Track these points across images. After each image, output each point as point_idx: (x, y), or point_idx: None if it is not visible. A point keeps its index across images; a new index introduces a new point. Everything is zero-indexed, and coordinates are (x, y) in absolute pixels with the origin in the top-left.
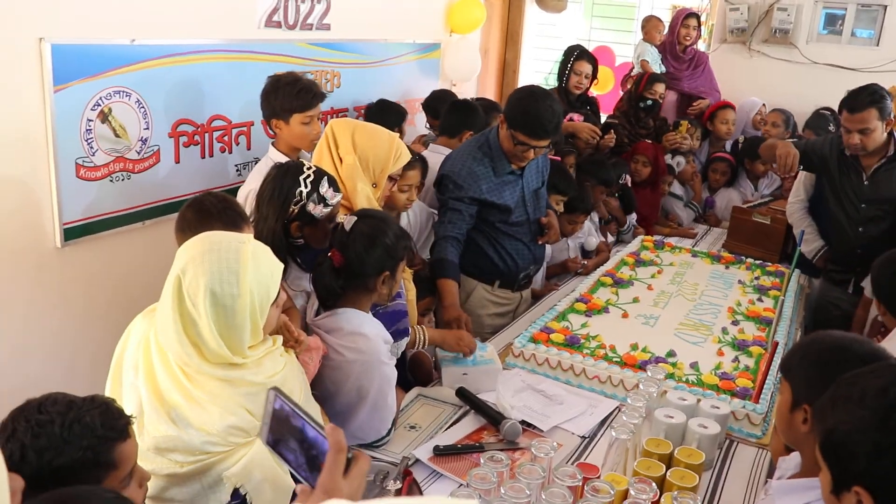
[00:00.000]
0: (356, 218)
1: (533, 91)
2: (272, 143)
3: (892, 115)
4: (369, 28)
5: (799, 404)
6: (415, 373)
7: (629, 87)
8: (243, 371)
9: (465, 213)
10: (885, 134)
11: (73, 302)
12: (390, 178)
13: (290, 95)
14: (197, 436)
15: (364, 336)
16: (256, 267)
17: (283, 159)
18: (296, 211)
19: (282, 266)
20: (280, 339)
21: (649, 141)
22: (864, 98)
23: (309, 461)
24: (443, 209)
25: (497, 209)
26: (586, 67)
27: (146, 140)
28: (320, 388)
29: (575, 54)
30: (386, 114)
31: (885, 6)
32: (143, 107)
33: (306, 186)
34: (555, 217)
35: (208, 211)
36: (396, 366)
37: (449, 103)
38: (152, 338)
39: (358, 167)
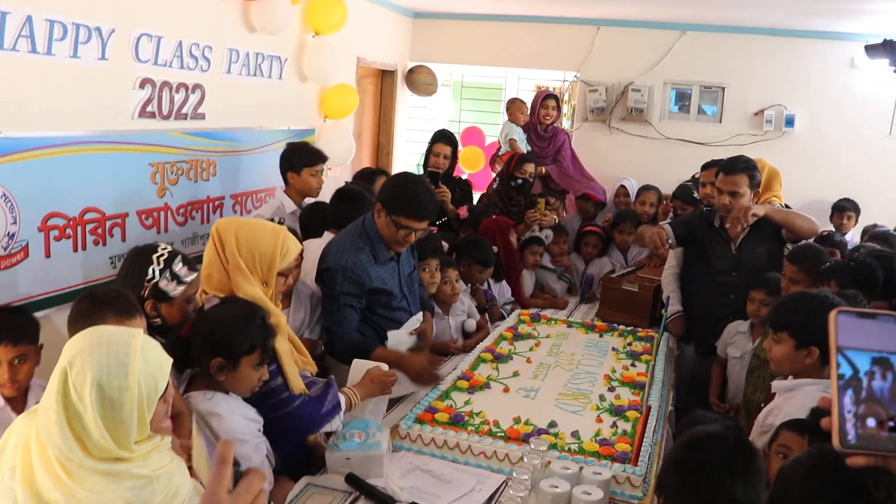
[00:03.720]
0: (218, 301)
1: (408, 176)
2: (283, 190)
3: (759, 188)
4: (244, 116)
5: (805, 345)
6: (308, 462)
7: (500, 167)
8: (129, 464)
9: (357, 309)
10: (751, 202)
11: None
12: (282, 274)
13: (303, 153)
14: None
15: (217, 415)
16: (145, 360)
17: (292, 204)
18: (148, 289)
19: (170, 360)
20: (168, 438)
21: (494, 217)
22: (739, 164)
23: None
24: (333, 304)
25: (384, 295)
26: (444, 149)
27: (13, 235)
28: None
29: (434, 137)
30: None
31: (724, 87)
32: (10, 201)
33: (159, 265)
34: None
35: (102, 300)
36: (298, 454)
37: (336, 192)
38: (33, 437)
39: (243, 268)
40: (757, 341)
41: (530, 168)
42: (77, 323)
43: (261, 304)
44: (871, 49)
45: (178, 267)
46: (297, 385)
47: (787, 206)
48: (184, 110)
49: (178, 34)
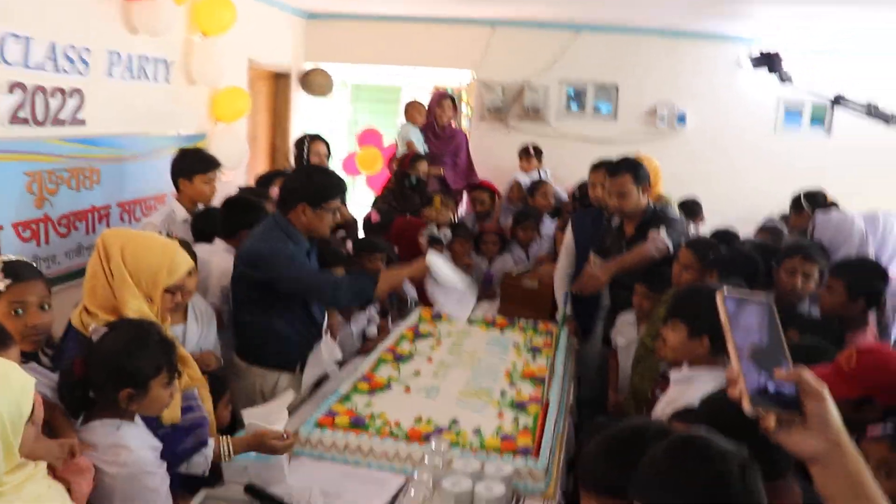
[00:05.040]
0: (105, 329)
1: (304, 169)
2: (175, 197)
3: (648, 182)
4: (129, 121)
5: (698, 333)
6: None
7: (395, 167)
8: (1, 500)
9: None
10: (643, 198)
11: None
12: (170, 291)
13: (195, 160)
14: None
15: (125, 447)
16: (7, 385)
17: (184, 212)
18: None
19: (33, 381)
20: (43, 463)
21: (406, 216)
22: (622, 165)
23: None
24: (296, 271)
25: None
26: (322, 147)
27: None
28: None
29: (308, 138)
30: (243, 211)
31: (618, 87)
32: None
33: None
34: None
35: None
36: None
37: (225, 202)
38: None
39: (129, 282)
40: (643, 331)
41: (423, 167)
42: None
43: (148, 318)
44: (754, 60)
45: None
46: (168, 414)
47: (670, 205)
48: (61, 116)
49: (50, 35)
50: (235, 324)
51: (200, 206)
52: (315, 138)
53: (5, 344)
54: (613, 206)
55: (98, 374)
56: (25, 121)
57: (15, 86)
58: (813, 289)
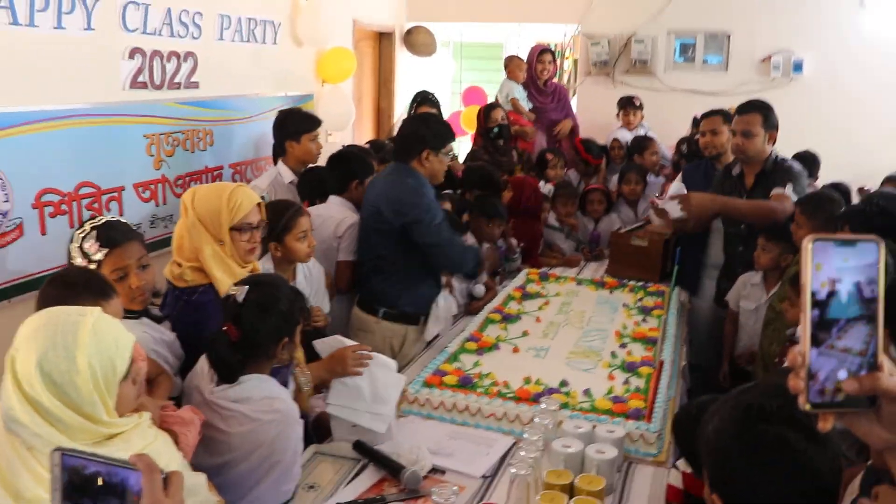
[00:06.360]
0: (247, 287)
1: (418, 116)
2: (281, 160)
3: (776, 130)
4: (239, 83)
5: None
6: (319, 433)
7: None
8: (111, 448)
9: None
10: (768, 146)
11: None
12: (238, 229)
13: (300, 120)
14: None
15: (279, 398)
16: (97, 341)
17: (290, 174)
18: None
19: (133, 338)
20: (147, 414)
21: (521, 175)
22: (753, 103)
23: (125, 502)
24: (443, 232)
25: None
26: (430, 111)
27: (6, 213)
28: (221, 455)
29: (418, 101)
30: (348, 163)
31: (729, 35)
32: (0, 178)
33: (76, 242)
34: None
35: (73, 283)
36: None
37: (330, 157)
38: (3, 435)
39: (200, 228)
40: (772, 292)
41: (498, 114)
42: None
43: (222, 259)
44: None
45: (89, 244)
46: (300, 356)
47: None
48: (176, 79)
49: (166, 1)
50: (361, 279)
51: (305, 168)
52: (423, 101)
53: (106, 294)
54: (735, 146)
55: (258, 329)
56: (144, 85)
57: (135, 51)
58: None
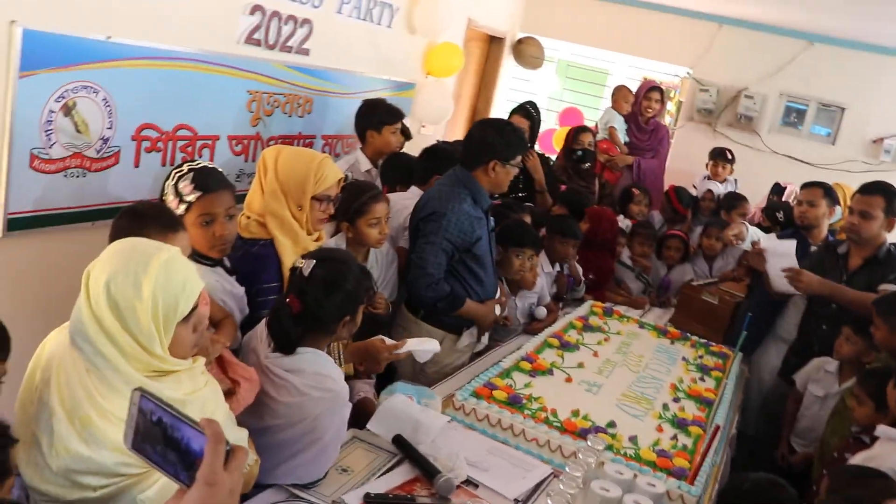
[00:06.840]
0: (314, 261)
1: (491, 123)
2: (360, 148)
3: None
4: (347, 58)
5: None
6: (357, 417)
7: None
8: (161, 384)
9: (449, 259)
10: (884, 232)
11: (4, 295)
12: (318, 199)
13: (384, 111)
14: (110, 456)
15: (331, 377)
16: (166, 276)
17: (367, 163)
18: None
19: (202, 285)
20: (201, 360)
21: (599, 207)
22: (879, 186)
23: (182, 459)
24: (433, 247)
25: (479, 243)
26: (521, 122)
27: (107, 139)
28: (265, 419)
29: (513, 109)
30: (436, 158)
31: (843, 108)
32: (109, 105)
33: (172, 180)
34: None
35: (143, 215)
36: None
37: (425, 150)
38: (66, 352)
39: (278, 191)
40: (844, 385)
41: (587, 138)
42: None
43: (289, 226)
44: None
45: (184, 184)
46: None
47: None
48: (289, 43)
49: None
50: (408, 278)
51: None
52: (519, 110)
53: (174, 228)
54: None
55: (322, 305)
56: (258, 42)
57: (256, 8)
58: None
